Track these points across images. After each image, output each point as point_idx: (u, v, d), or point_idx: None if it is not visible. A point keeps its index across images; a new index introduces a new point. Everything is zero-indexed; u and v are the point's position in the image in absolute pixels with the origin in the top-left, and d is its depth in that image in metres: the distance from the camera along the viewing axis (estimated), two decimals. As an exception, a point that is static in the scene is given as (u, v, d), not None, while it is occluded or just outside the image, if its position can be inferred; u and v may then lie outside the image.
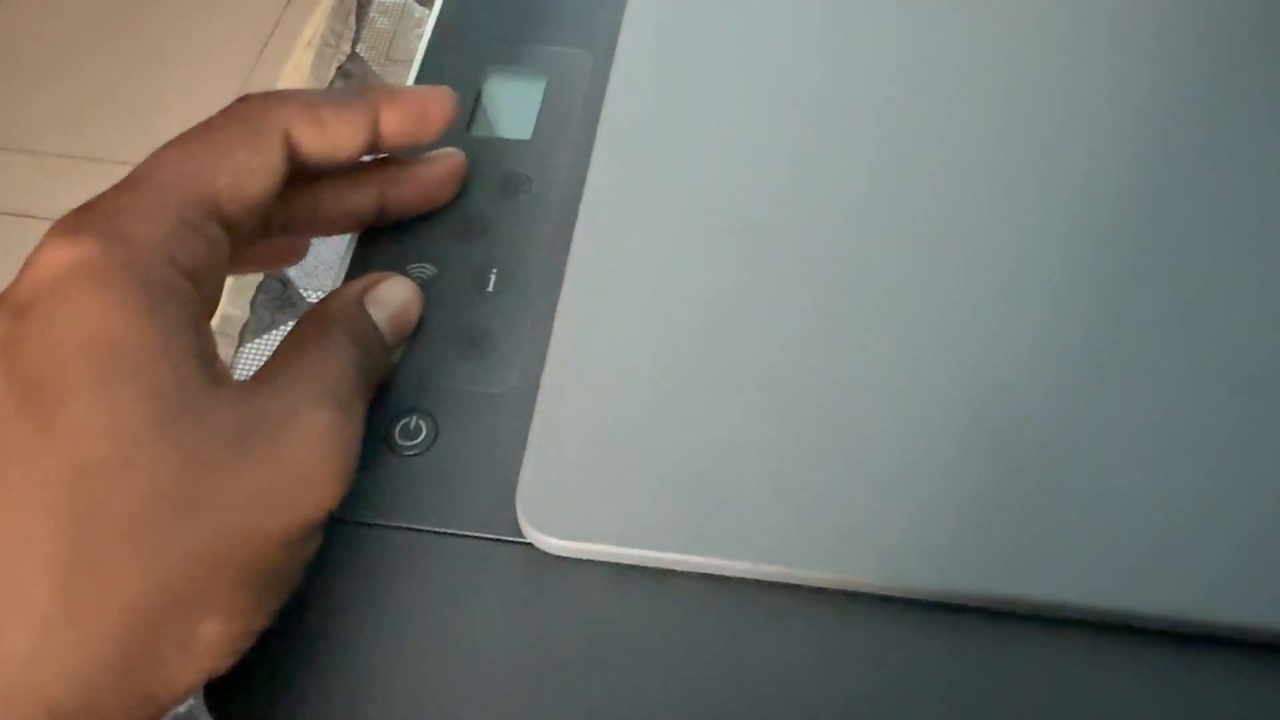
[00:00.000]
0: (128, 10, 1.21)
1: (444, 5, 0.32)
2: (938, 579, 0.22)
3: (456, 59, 0.31)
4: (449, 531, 0.24)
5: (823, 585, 0.22)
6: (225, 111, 0.23)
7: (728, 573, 0.23)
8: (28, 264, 0.20)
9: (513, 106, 0.30)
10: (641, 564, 0.23)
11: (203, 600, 0.19)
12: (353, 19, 0.52)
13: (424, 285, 0.27)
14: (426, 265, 0.27)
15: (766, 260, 0.26)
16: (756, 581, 0.23)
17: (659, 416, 0.24)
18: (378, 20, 0.52)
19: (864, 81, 0.28)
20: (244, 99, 0.23)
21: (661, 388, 0.24)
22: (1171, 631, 0.22)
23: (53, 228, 0.20)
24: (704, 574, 0.23)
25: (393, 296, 0.25)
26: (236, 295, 0.48)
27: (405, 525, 0.24)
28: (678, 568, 0.23)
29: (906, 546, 0.22)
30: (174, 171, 0.22)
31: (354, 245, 0.28)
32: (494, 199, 0.28)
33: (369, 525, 0.24)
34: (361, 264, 0.27)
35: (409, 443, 0.25)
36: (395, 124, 0.25)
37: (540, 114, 0.30)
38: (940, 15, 0.30)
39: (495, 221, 0.28)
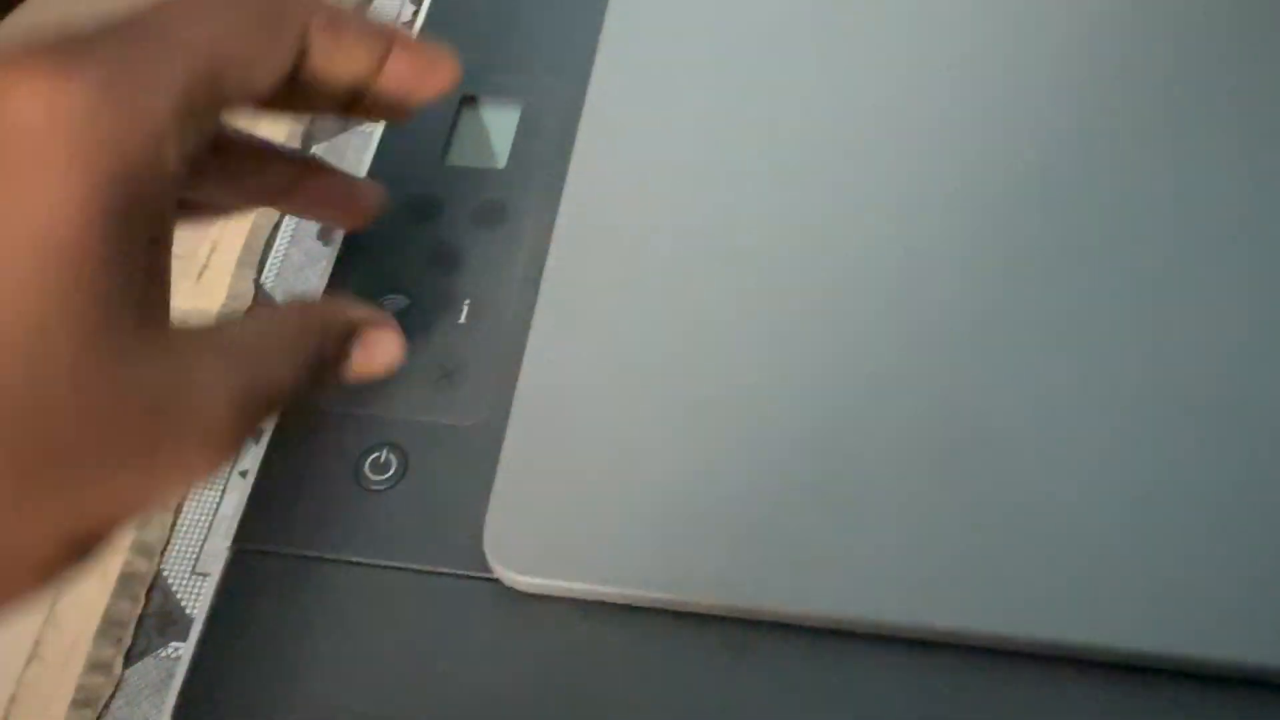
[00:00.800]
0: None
1: (420, 35, 0.32)
2: (900, 613, 0.22)
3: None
4: (417, 567, 0.24)
5: (785, 619, 0.22)
6: None
7: (692, 608, 0.23)
8: None
9: (488, 136, 0.30)
10: (607, 599, 0.23)
11: None
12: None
13: (397, 316, 0.27)
14: (400, 296, 0.27)
15: (735, 294, 0.26)
16: (720, 616, 0.23)
17: (625, 453, 0.24)
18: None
19: (837, 112, 0.28)
20: None
21: (628, 423, 0.24)
22: (1131, 665, 0.21)
23: (35, 47, 0.17)
24: (669, 609, 0.23)
25: (380, 353, 0.23)
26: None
27: (373, 561, 0.24)
28: (643, 603, 0.23)
29: (867, 581, 0.22)
30: (187, 34, 0.18)
31: (329, 273, 0.28)
32: (468, 228, 0.28)
33: (334, 561, 0.24)
34: (335, 290, 0.27)
35: (378, 477, 0.25)
36: (401, 68, 0.23)
37: (515, 143, 0.30)
38: (910, 45, 0.30)
39: (469, 251, 0.28)
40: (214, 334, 0.20)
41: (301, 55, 0.20)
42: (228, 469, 0.42)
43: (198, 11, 0.18)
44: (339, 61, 0.21)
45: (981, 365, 0.24)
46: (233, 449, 0.19)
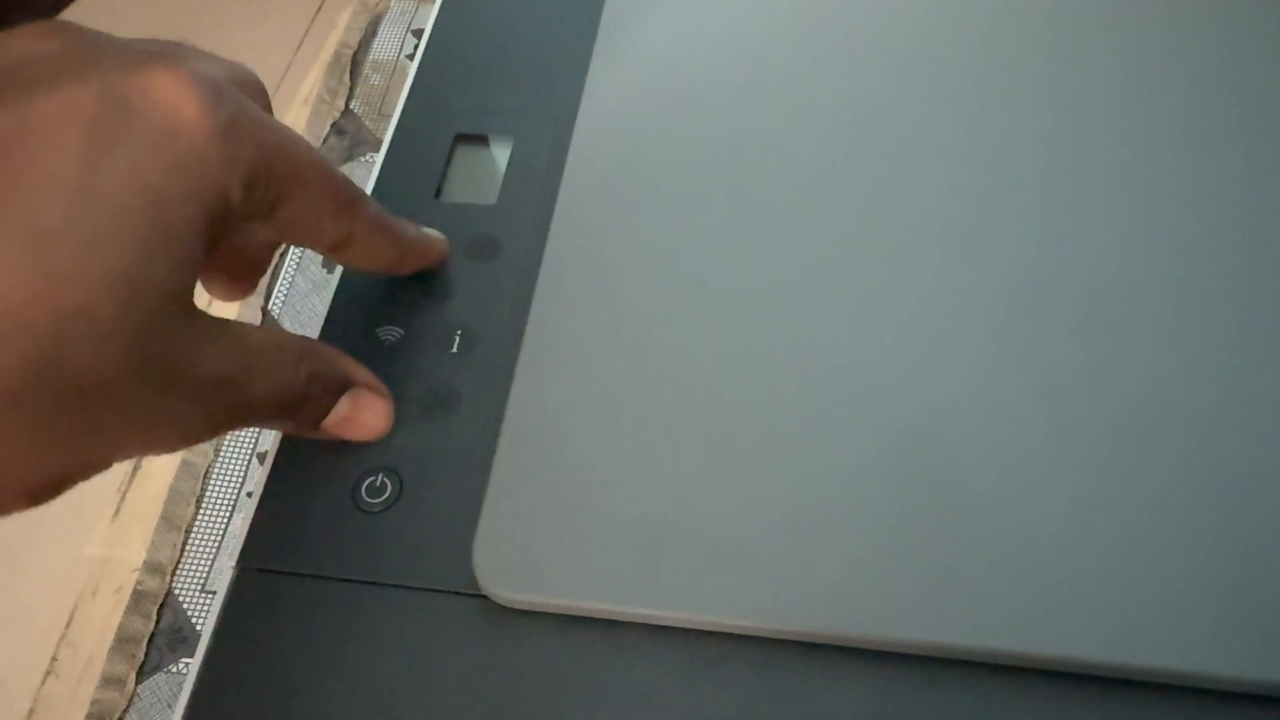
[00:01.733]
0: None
1: (416, 77, 0.34)
2: (879, 628, 0.23)
3: (427, 128, 0.32)
4: (410, 585, 0.25)
5: (767, 635, 0.24)
6: None
7: (676, 623, 0.24)
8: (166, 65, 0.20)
9: (480, 172, 0.31)
10: (592, 615, 0.24)
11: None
12: (347, 76, 0.54)
13: (392, 347, 0.28)
14: (395, 328, 0.29)
15: (714, 323, 0.27)
16: (702, 631, 0.24)
17: (609, 475, 0.25)
18: (371, 77, 0.54)
19: (820, 145, 0.30)
20: None
21: (611, 447, 0.25)
22: (1091, 675, 0.23)
23: (191, 61, 0.21)
24: (653, 624, 0.24)
25: (367, 417, 0.26)
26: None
27: (369, 579, 0.25)
28: (625, 618, 0.24)
29: (847, 597, 0.23)
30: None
31: (329, 306, 0.29)
32: (461, 262, 0.30)
33: (333, 580, 0.25)
34: (333, 326, 0.29)
35: (374, 500, 0.26)
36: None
37: (506, 179, 0.31)
38: (889, 80, 0.31)
39: (461, 284, 0.29)
40: (223, 328, 0.22)
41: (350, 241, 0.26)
42: (236, 492, 0.43)
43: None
44: (369, 262, 0.27)
45: (952, 386, 0.26)
46: (195, 441, 0.22)
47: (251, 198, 0.22)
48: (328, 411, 0.25)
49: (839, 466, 0.25)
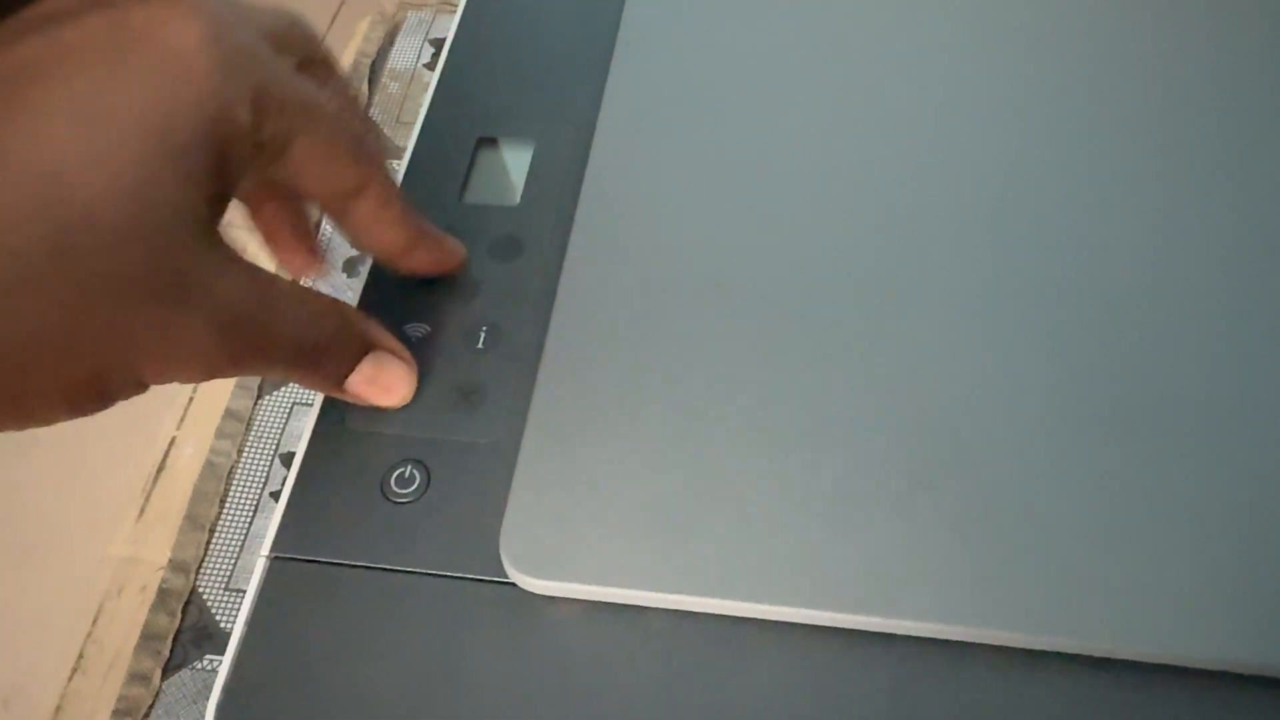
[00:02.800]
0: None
1: (439, 82, 0.34)
2: (903, 614, 0.24)
3: (450, 131, 0.33)
4: (439, 573, 0.25)
5: (791, 621, 0.24)
6: None
7: (699, 609, 0.24)
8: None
9: (502, 174, 0.32)
10: (618, 602, 0.25)
11: None
12: (365, 84, 0.55)
13: (419, 343, 0.29)
14: (422, 325, 0.29)
15: (734, 317, 0.28)
16: (727, 617, 0.24)
17: (634, 463, 0.26)
18: (389, 85, 0.55)
19: (836, 151, 0.31)
20: None
21: (635, 437, 0.26)
22: (1106, 659, 0.23)
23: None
24: (676, 610, 0.25)
25: (387, 378, 0.27)
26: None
27: (398, 568, 0.26)
28: (652, 604, 0.25)
29: (871, 583, 0.24)
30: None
31: (357, 305, 0.30)
32: (484, 261, 0.30)
33: (363, 568, 0.26)
34: (362, 324, 0.30)
35: (403, 490, 0.27)
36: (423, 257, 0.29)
37: (528, 181, 0.32)
38: (906, 82, 0.32)
39: (485, 282, 0.30)
40: (246, 266, 0.23)
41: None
42: (258, 491, 0.44)
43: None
44: (377, 235, 0.27)
45: (969, 376, 0.26)
46: (217, 373, 0.23)
47: (262, 125, 0.22)
48: (350, 370, 0.26)
49: (863, 456, 0.25)
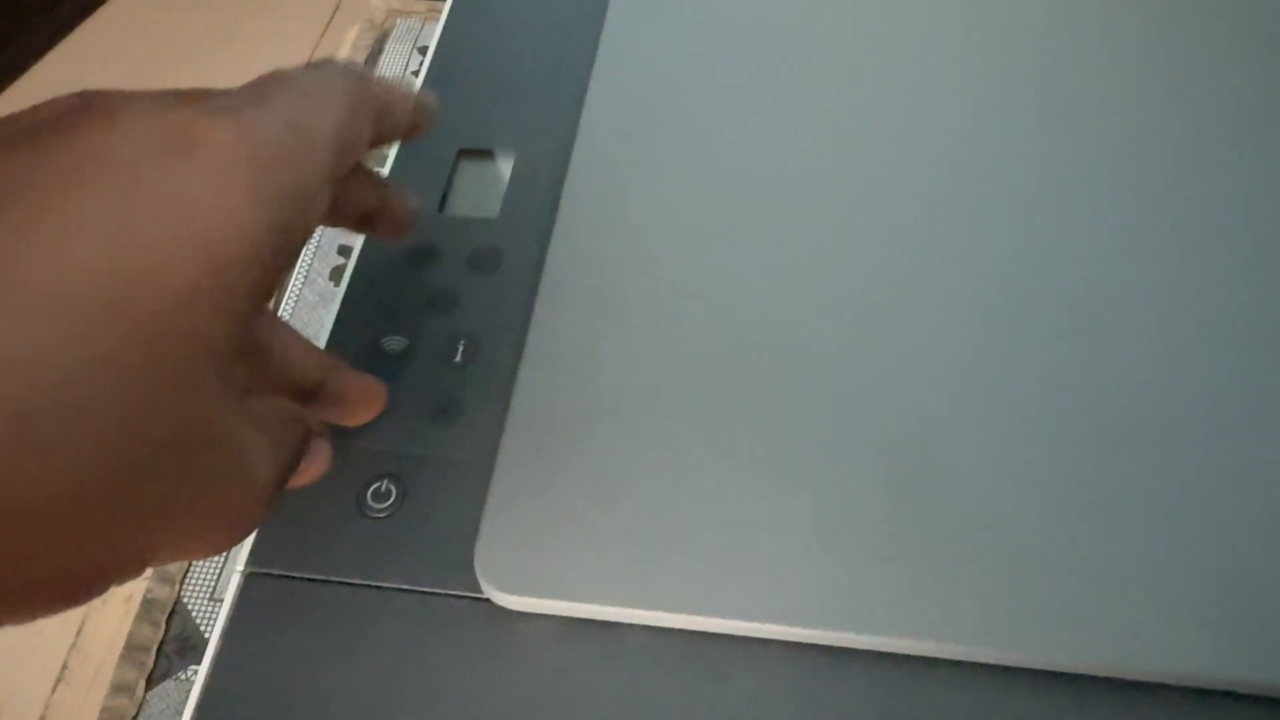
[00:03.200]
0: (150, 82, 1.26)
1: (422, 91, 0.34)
2: (878, 631, 0.24)
3: (431, 142, 0.33)
4: (414, 589, 0.25)
5: (765, 637, 0.24)
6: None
7: (674, 625, 0.24)
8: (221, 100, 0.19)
9: (483, 186, 0.32)
10: (593, 618, 0.25)
11: None
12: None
13: (396, 357, 0.29)
14: (400, 338, 0.29)
15: (713, 331, 0.28)
16: (701, 634, 0.24)
17: (609, 479, 0.26)
18: (377, 93, 0.55)
19: (816, 163, 0.30)
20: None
21: (610, 453, 0.26)
22: (1083, 676, 0.23)
23: (221, 101, 0.19)
24: (652, 626, 0.25)
25: (316, 466, 0.24)
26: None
27: (375, 583, 0.26)
28: (627, 620, 0.25)
29: (845, 600, 0.24)
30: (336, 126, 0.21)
31: (335, 318, 0.30)
32: (464, 273, 0.30)
33: (339, 583, 0.26)
34: (340, 337, 0.30)
35: (379, 505, 0.27)
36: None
37: (508, 193, 0.32)
38: (887, 94, 0.32)
39: (464, 295, 0.30)
40: (256, 405, 0.21)
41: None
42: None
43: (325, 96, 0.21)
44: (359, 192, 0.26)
45: (947, 392, 0.26)
46: (256, 523, 0.21)
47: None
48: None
49: (837, 473, 0.25)
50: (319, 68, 0.22)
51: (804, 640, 0.24)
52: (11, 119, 0.18)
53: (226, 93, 0.20)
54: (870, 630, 0.24)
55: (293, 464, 0.22)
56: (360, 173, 0.26)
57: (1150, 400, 0.26)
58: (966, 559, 0.24)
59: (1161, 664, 0.23)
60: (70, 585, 0.17)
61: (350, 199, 0.26)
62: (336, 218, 0.26)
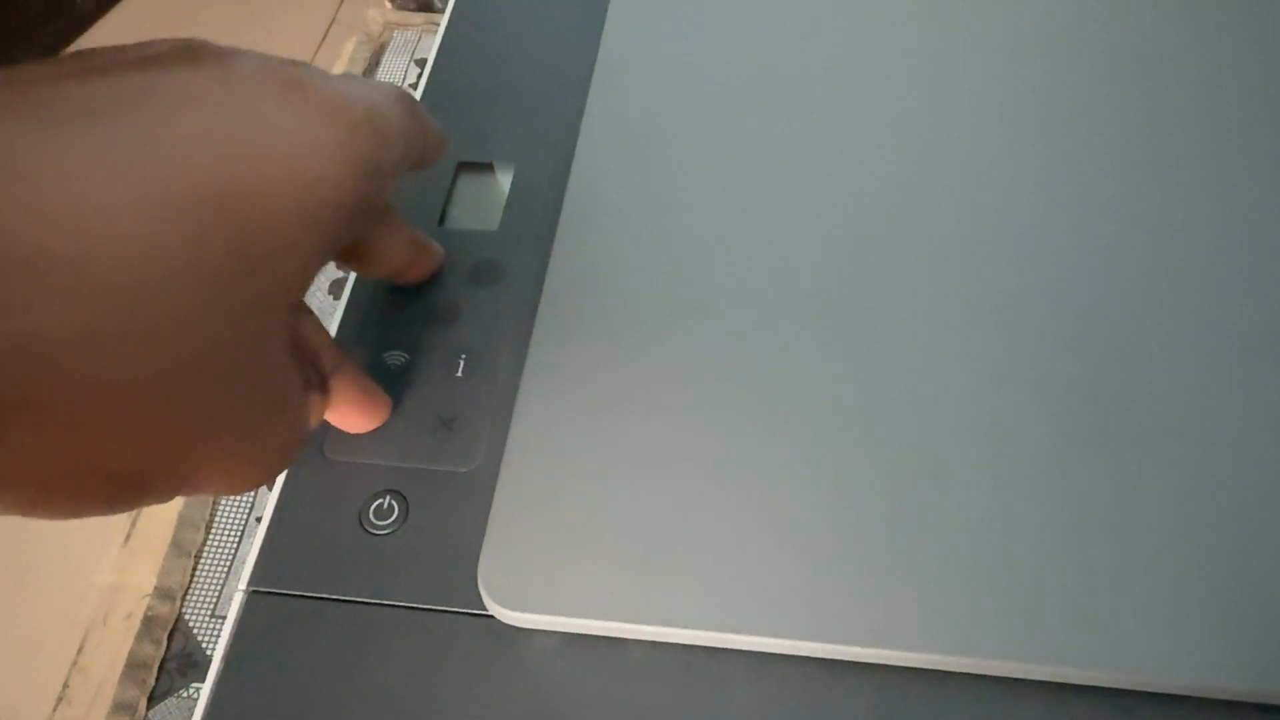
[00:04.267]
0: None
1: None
2: (880, 643, 0.23)
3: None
4: (417, 606, 0.25)
5: (768, 651, 0.24)
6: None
7: (678, 640, 0.24)
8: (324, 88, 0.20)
9: (482, 199, 0.32)
10: (596, 633, 0.24)
11: None
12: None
13: (398, 372, 0.29)
14: (401, 353, 0.29)
15: (714, 344, 0.27)
16: (704, 648, 0.24)
17: (611, 494, 0.25)
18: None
19: (815, 174, 0.30)
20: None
21: (614, 466, 0.26)
22: (1085, 686, 0.23)
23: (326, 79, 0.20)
24: (656, 641, 0.24)
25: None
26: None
27: (376, 601, 0.25)
28: (631, 636, 0.24)
29: (847, 613, 0.24)
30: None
31: (336, 333, 0.30)
32: (464, 287, 0.30)
33: (341, 601, 0.25)
34: (341, 346, 0.29)
35: (381, 522, 0.26)
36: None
37: (508, 205, 0.32)
38: (886, 104, 0.32)
39: (465, 308, 0.30)
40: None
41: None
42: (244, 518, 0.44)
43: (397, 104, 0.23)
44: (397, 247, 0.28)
45: (947, 404, 0.26)
46: (288, 464, 0.21)
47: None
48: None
49: (837, 486, 0.25)
50: (381, 81, 0.23)
51: (806, 654, 0.24)
52: (125, 48, 0.19)
53: (314, 66, 0.21)
54: (872, 643, 0.23)
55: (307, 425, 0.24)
56: (398, 229, 0.28)
57: (1152, 408, 0.26)
58: (968, 571, 0.24)
59: (1163, 674, 0.22)
60: (117, 485, 0.17)
61: (387, 252, 0.28)
62: (373, 267, 0.28)
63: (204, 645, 0.40)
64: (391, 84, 0.24)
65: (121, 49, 0.19)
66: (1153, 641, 0.23)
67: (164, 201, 0.16)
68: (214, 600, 0.41)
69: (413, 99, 0.24)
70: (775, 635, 0.24)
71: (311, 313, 0.26)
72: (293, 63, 0.20)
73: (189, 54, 0.19)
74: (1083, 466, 0.25)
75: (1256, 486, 0.24)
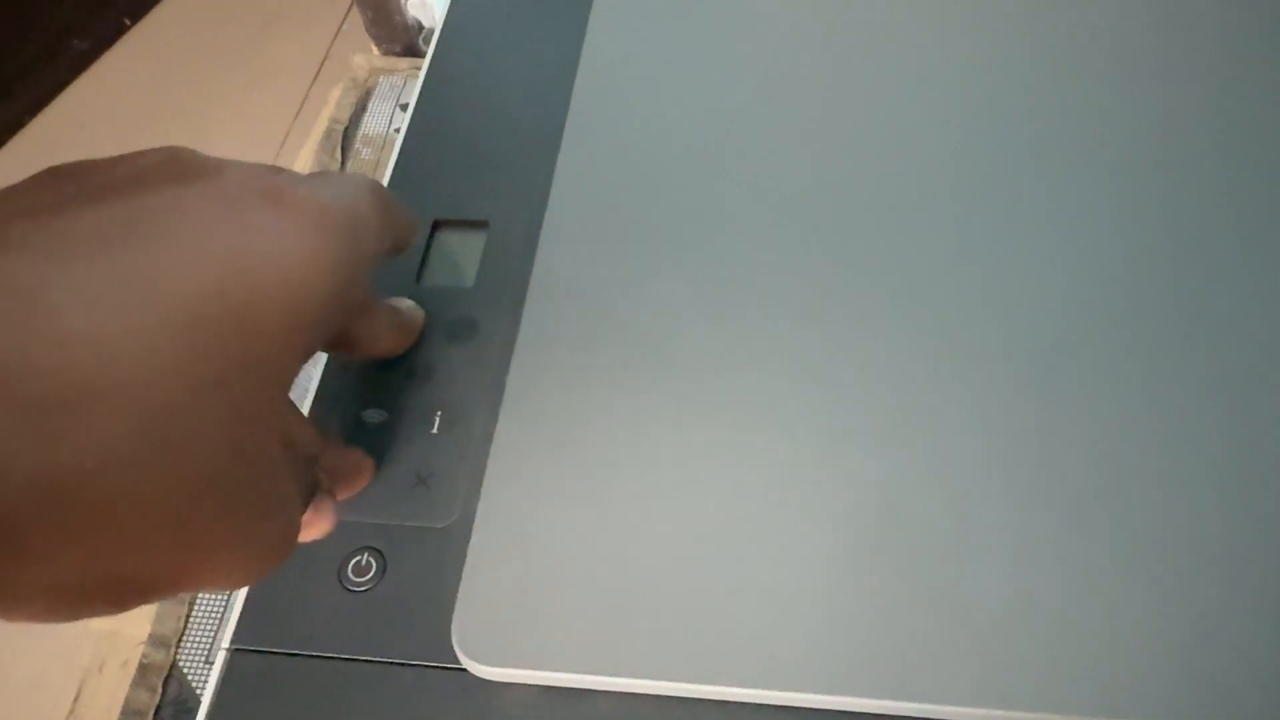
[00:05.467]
0: (134, 148, 1.27)
1: (396, 166, 0.35)
2: (844, 692, 0.24)
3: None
4: (395, 661, 0.26)
5: (734, 700, 0.25)
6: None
7: (650, 691, 0.25)
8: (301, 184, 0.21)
9: (458, 256, 0.33)
10: (569, 685, 0.25)
11: None
12: (338, 151, 0.56)
13: (376, 429, 0.30)
14: (379, 410, 0.30)
15: (682, 399, 0.28)
16: (678, 698, 0.25)
17: (582, 548, 0.26)
18: (361, 151, 0.56)
19: (781, 230, 0.31)
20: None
21: (585, 521, 0.27)
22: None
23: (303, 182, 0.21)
24: (628, 693, 0.25)
25: (321, 523, 0.26)
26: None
27: (354, 657, 0.26)
28: (603, 688, 0.25)
29: (812, 663, 0.24)
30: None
31: (315, 392, 0.31)
32: (440, 344, 0.31)
33: (321, 658, 0.26)
34: (320, 410, 0.30)
35: (359, 579, 0.27)
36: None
37: (483, 262, 0.33)
38: (857, 158, 0.32)
39: (441, 365, 0.31)
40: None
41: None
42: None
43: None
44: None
45: (907, 459, 0.27)
46: (285, 558, 0.22)
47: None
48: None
49: (803, 540, 0.26)
50: (354, 175, 0.25)
51: (775, 702, 0.24)
52: (116, 164, 0.20)
53: (293, 171, 0.23)
54: (840, 691, 0.24)
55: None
56: (377, 316, 0.29)
57: (1107, 459, 0.26)
58: (934, 621, 0.25)
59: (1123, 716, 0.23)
60: (128, 591, 0.18)
61: (368, 337, 0.29)
62: (356, 352, 0.30)
63: (198, 691, 0.41)
64: (362, 177, 0.25)
65: (113, 165, 0.20)
66: (1109, 685, 0.23)
67: (174, 323, 0.17)
68: (207, 647, 0.42)
69: (383, 190, 0.25)
70: (744, 685, 0.24)
71: (292, 404, 0.26)
72: (272, 171, 0.21)
73: (178, 171, 0.20)
74: (1043, 515, 0.26)
75: (1213, 530, 0.25)
